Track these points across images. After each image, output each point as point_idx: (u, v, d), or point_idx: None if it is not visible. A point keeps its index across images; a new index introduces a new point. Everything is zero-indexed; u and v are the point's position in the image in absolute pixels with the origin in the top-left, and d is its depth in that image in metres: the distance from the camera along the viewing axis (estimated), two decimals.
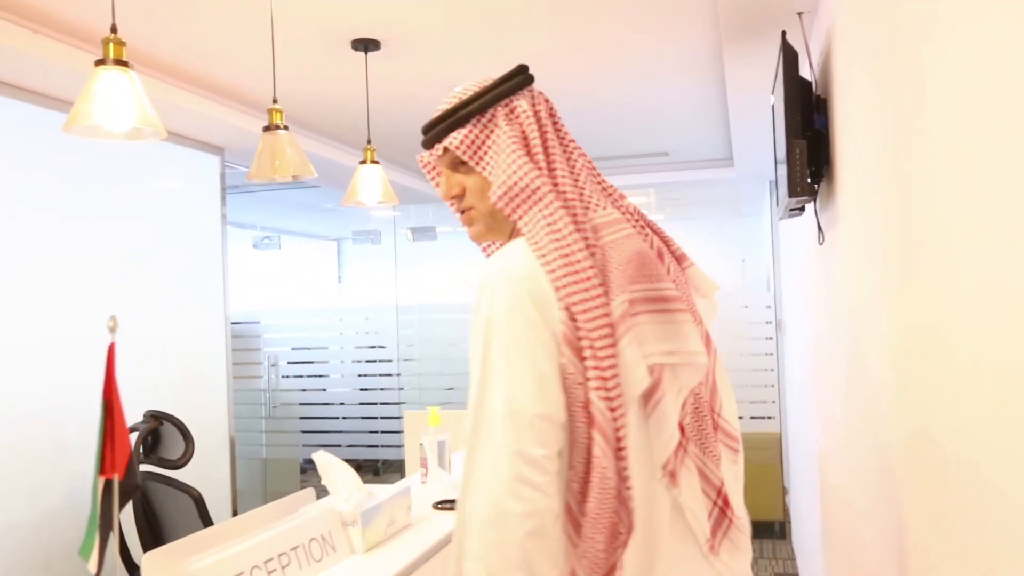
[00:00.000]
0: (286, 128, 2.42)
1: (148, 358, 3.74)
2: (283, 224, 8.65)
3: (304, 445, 7.18)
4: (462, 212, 1.33)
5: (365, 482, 1.79)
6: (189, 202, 4.12)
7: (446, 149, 1.29)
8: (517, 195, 1.22)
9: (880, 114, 1.45)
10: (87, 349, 3.30)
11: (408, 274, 6.88)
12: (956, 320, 0.94)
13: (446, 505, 1.90)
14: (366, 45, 3.01)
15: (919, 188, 1.12)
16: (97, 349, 3.44)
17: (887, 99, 1.37)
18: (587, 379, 1.11)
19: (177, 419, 2.90)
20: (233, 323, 6.84)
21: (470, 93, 1.29)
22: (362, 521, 1.54)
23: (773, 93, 2.67)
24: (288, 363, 7.35)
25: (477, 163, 1.28)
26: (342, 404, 7.03)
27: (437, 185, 1.39)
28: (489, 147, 1.27)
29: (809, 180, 2.16)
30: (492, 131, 1.27)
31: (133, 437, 2.91)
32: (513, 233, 1.31)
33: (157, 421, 2.95)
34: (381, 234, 6.76)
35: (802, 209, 2.57)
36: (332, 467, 1.66)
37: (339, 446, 7.04)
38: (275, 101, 2.44)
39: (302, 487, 6.97)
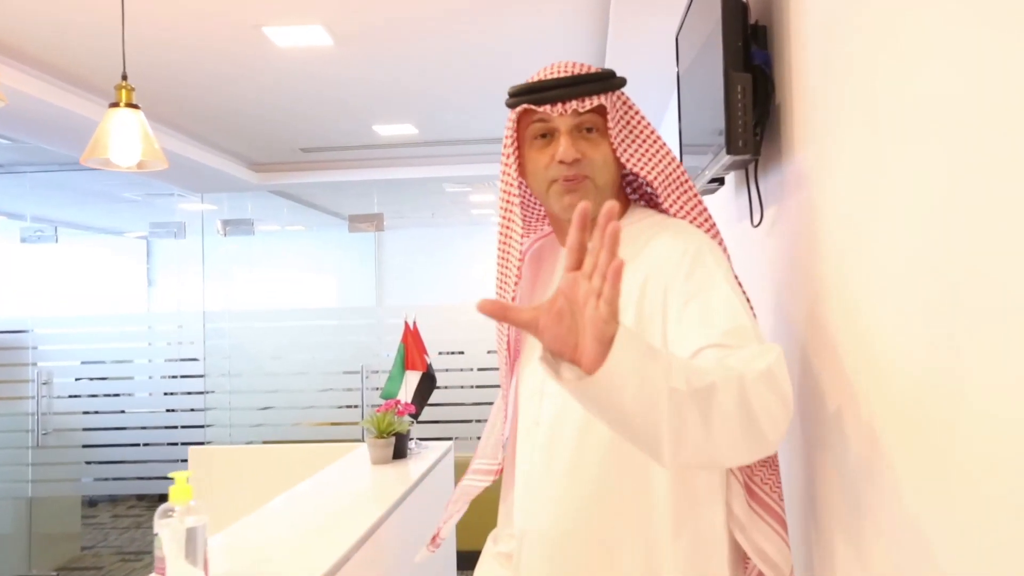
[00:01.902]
0: None
1: None
2: (73, 216, 7.35)
3: (96, 479, 6.00)
4: (571, 179, 1.26)
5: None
6: None
7: (603, 106, 1.26)
8: (675, 180, 1.32)
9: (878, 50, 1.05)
10: None
11: (221, 275, 5.88)
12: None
13: None
14: None
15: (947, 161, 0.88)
16: None
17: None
18: None
19: None
20: None
21: (594, 68, 1.28)
22: None
23: (681, 29, 2.04)
24: (75, 380, 6.15)
25: (619, 132, 1.28)
26: (144, 428, 5.91)
27: (513, 154, 1.32)
28: (628, 122, 1.30)
29: (754, 132, 1.52)
30: (628, 111, 1.31)
31: None
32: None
33: None
34: (186, 227, 5.71)
35: (721, 181, 1.94)
36: None
37: (134, 479, 5.92)
38: None
39: (84, 528, 5.78)
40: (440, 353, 5.41)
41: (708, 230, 1.32)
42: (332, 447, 3.05)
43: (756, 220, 1.71)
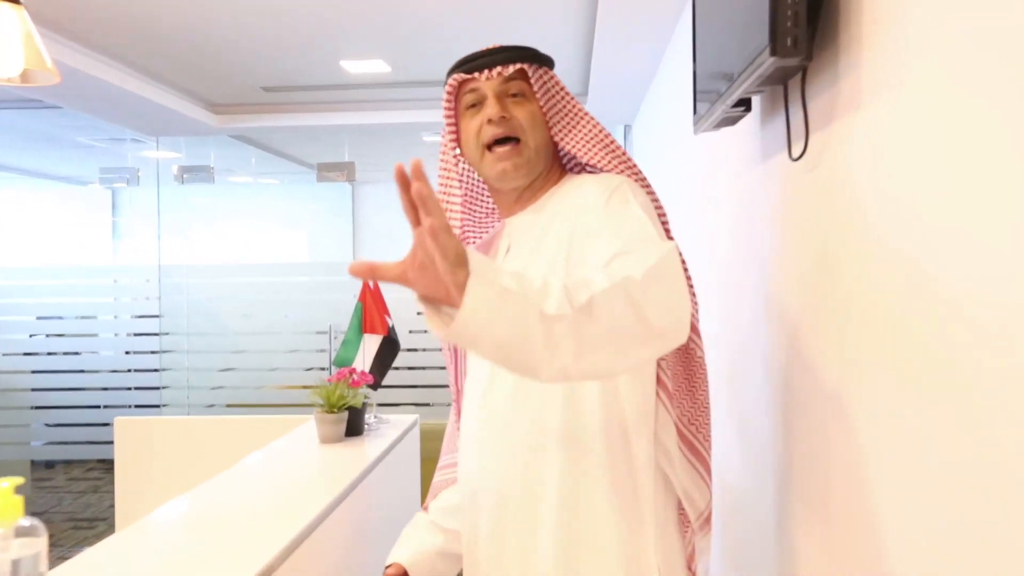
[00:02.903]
0: None
1: None
2: (14, 160, 6.86)
3: (49, 443, 5.63)
4: (504, 143, 1.33)
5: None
6: None
7: (524, 71, 1.35)
8: (607, 146, 1.37)
9: None
10: None
11: (179, 227, 5.45)
12: None
13: None
14: None
15: None
16: None
17: None
18: None
19: None
20: None
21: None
22: None
23: None
24: (30, 336, 5.76)
25: (546, 101, 1.36)
26: (105, 389, 5.51)
27: (449, 120, 1.40)
28: (553, 94, 1.37)
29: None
30: (554, 85, 1.38)
31: None
32: (545, 175, 1.39)
33: None
34: (140, 175, 5.27)
35: (747, 106, 1.56)
36: None
37: (89, 443, 5.53)
38: None
39: (35, 492, 5.41)
40: (419, 314, 5.04)
41: (636, 181, 1.35)
42: (280, 420, 2.69)
43: (797, 151, 1.33)
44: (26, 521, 0.94)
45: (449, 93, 1.38)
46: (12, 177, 7.19)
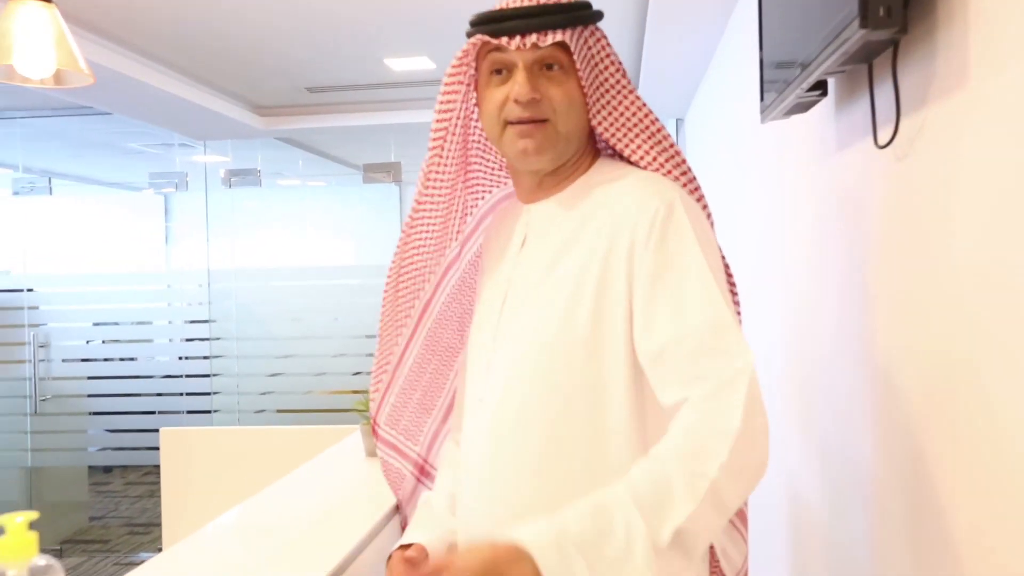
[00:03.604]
0: None
1: None
2: (70, 167, 6.94)
3: (104, 449, 5.66)
4: (529, 123, 1.12)
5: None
6: None
7: (564, 44, 1.11)
8: (653, 135, 1.19)
9: None
10: None
11: (227, 231, 5.44)
12: None
13: None
14: None
15: None
16: None
17: None
18: None
19: None
20: None
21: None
22: None
23: None
24: (87, 343, 5.80)
25: (588, 73, 1.14)
26: (160, 395, 5.52)
27: (454, 84, 1.19)
28: (596, 63, 1.16)
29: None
30: (599, 51, 1.16)
31: None
32: (575, 161, 1.20)
33: None
34: (187, 178, 5.27)
35: (823, 89, 1.42)
36: None
37: (145, 448, 5.55)
38: None
39: (94, 497, 5.43)
40: None
41: (685, 184, 1.18)
42: (325, 431, 2.61)
43: (884, 137, 1.19)
44: (41, 560, 0.86)
45: (466, 52, 1.15)
46: (67, 184, 7.30)
